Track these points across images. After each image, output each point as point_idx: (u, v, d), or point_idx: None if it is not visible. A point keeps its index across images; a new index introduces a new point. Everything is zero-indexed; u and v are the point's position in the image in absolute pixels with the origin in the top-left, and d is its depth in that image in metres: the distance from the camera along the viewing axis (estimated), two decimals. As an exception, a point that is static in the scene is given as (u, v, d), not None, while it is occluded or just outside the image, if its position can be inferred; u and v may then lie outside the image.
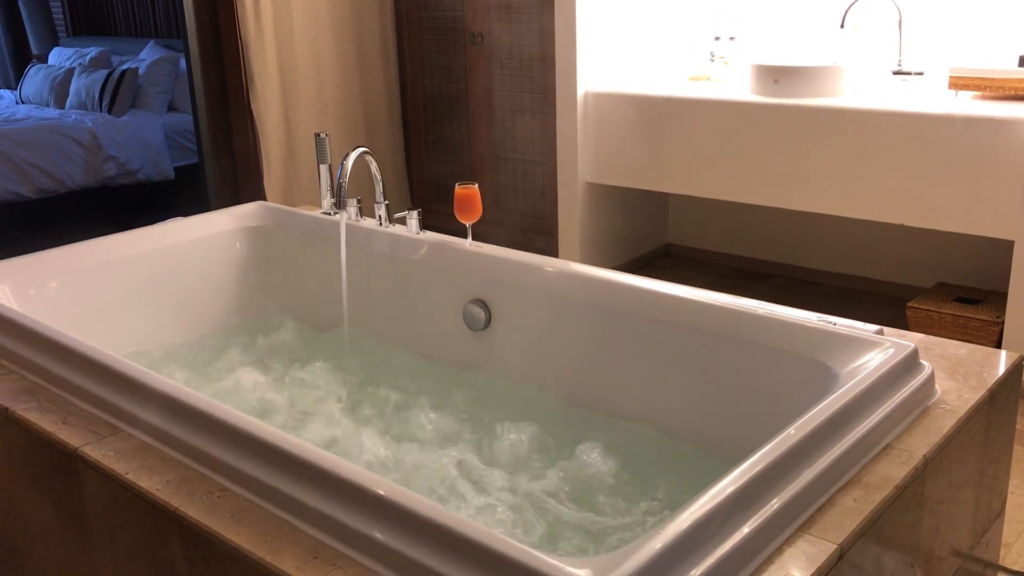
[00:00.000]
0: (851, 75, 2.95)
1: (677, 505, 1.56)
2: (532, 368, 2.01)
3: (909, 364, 1.49)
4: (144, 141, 4.84)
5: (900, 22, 3.05)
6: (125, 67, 5.13)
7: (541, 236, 3.73)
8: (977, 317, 2.66)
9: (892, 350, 1.50)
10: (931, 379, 1.51)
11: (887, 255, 3.32)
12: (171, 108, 5.29)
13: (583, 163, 3.45)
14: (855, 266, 3.45)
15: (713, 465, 1.66)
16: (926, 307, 2.75)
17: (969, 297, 2.81)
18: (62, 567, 1.63)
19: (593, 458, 1.70)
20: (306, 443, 1.32)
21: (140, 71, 5.15)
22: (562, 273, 1.98)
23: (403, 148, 4.11)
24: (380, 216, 2.36)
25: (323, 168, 2.52)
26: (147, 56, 5.49)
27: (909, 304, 2.80)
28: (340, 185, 2.21)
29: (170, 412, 1.45)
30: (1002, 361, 1.62)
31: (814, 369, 1.55)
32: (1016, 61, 2.76)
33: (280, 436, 1.32)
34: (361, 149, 2.22)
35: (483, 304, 2.09)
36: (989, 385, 1.54)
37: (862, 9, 3.11)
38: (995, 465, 1.64)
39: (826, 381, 1.50)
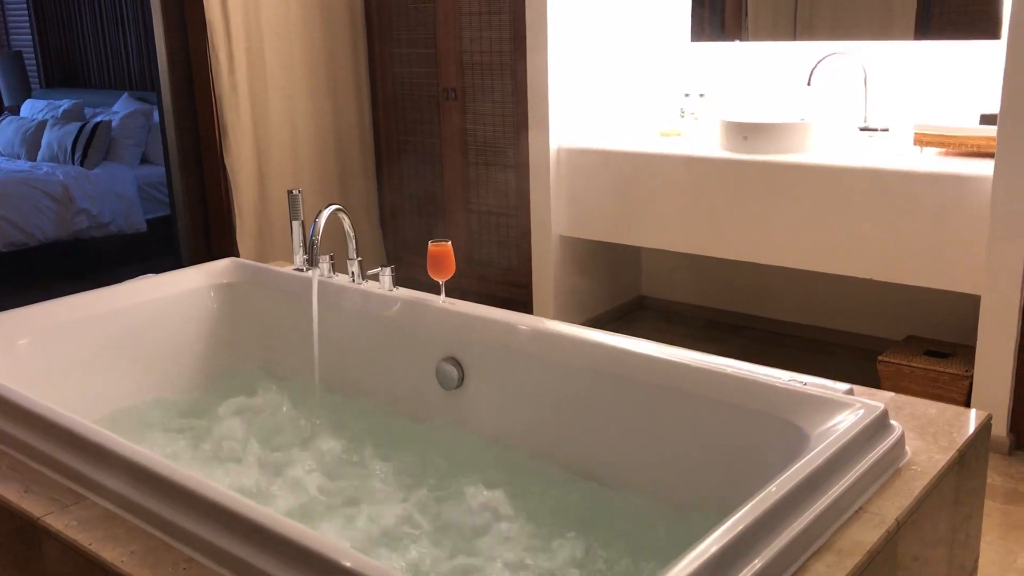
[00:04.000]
0: (818, 131, 3.00)
1: (647, 567, 1.55)
2: (505, 427, 2.00)
3: (879, 425, 1.50)
4: (116, 193, 4.83)
5: (865, 79, 3.12)
6: (98, 120, 5.13)
7: (516, 288, 3.73)
8: (947, 371, 2.69)
9: (862, 411, 1.50)
10: (901, 440, 1.51)
11: (858, 307, 3.36)
12: (145, 160, 5.28)
13: (556, 217, 3.47)
14: (827, 318, 3.47)
15: (687, 526, 1.66)
16: (896, 361, 2.77)
17: (939, 350, 2.83)
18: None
19: (559, 520, 1.69)
20: (276, 513, 1.30)
21: (113, 123, 5.14)
22: (535, 332, 1.98)
23: (377, 202, 4.12)
24: (353, 273, 2.35)
25: (295, 225, 2.52)
26: (120, 108, 5.50)
27: (880, 358, 2.82)
28: (312, 242, 2.20)
29: (135, 480, 1.43)
30: (971, 420, 1.63)
31: (786, 430, 1.56)
32: (978, 119, 2.82)
33: (249, 506, 1.30)
34: (334, 207, 2.22)
35: (456, 362, 2.08)
36: (959, 445, 1.55)
37: (828, 67, 3.18)
38: (967, 522, 1.65)
39: (797, 442, 1.50)
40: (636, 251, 3.86)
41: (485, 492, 1.78)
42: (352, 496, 1.86)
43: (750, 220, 2.99)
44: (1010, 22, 2.46)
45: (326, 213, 2.20)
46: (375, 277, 2.31)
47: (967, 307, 2.77)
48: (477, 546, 1.67)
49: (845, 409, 1.53)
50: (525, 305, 3.67)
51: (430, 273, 2.20)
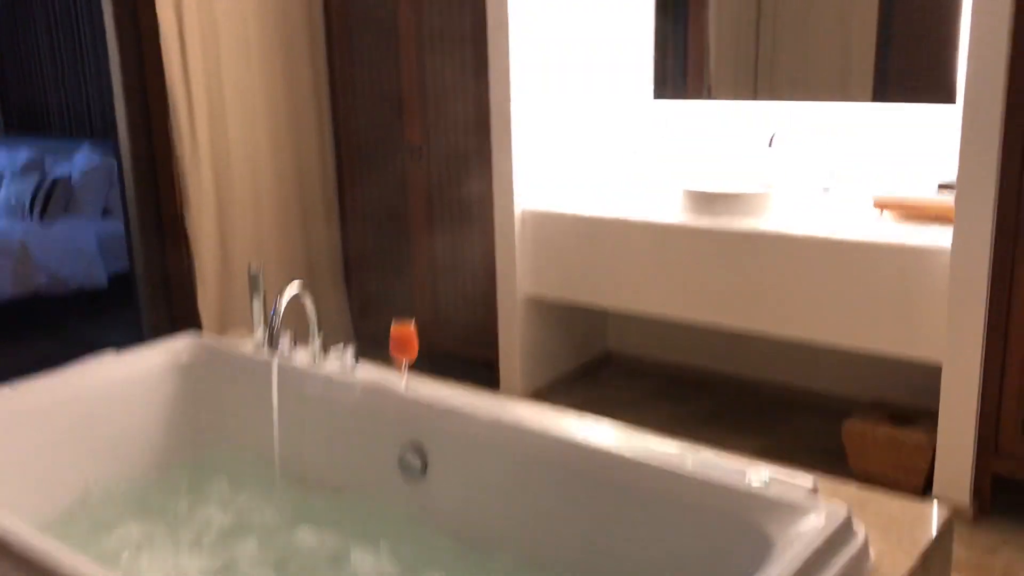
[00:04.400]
0: (779, 197, 3.02)
1: None
2: (467, 518, 1.97)
3: (844, 532, 1.49)
4: (76, 249, 4.76)
5: (826, 145, 3.15)
6: (57, 175, 5.06)
7: (481, 347, 3.71)
8: (910, 441, 2.70)
9: (827, 518, 1.50)
10: (865, 546, 1.51)
11: (824, 367, 3.37)
12: (107, 210, 5.21)
13: (521, 278, 3.47)
14: (793, 376, 3.49)
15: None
16: (861, 428, 2.78)
17: (904, 415, 2.84)
18: None
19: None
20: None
21: (73, 177, 5.08)
22: (495, 423, 1.95)
23: (341, 256, 4.09)
24: (314, 353, 2.33)
25: (256, 302, 2.49)
26: (82, 161, 5.42)
27: (844, 428, 2.83)
28: (273, 327, 2.17)
29: (86, 607, 1.38)
30: (934, 519, 1.63)
31: (749, 536, 1.55)
32: (936, 186, 2.86)
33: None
34: (296, 286, 2.19)
35: (419, 450, 2.06)
36: (922, 548, 1.55)
37: (789, 128, 3.22)
38: (932, 620, 1.64)
39: (761, 550, 1.49)
40: (603, 307, 3.87)
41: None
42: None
43: (713, 285, 3.00)
44: (965, 88, 2.50)
45: (287, 295, 2.17)
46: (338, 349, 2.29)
47: (932, 371, 2.79)
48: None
49: (809, 513, 1.52)
50: (491, 362, 3.66)
51: (392, 354, 2.18)
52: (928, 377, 2.74)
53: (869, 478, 2.79)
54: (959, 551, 2.45)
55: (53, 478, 2.18)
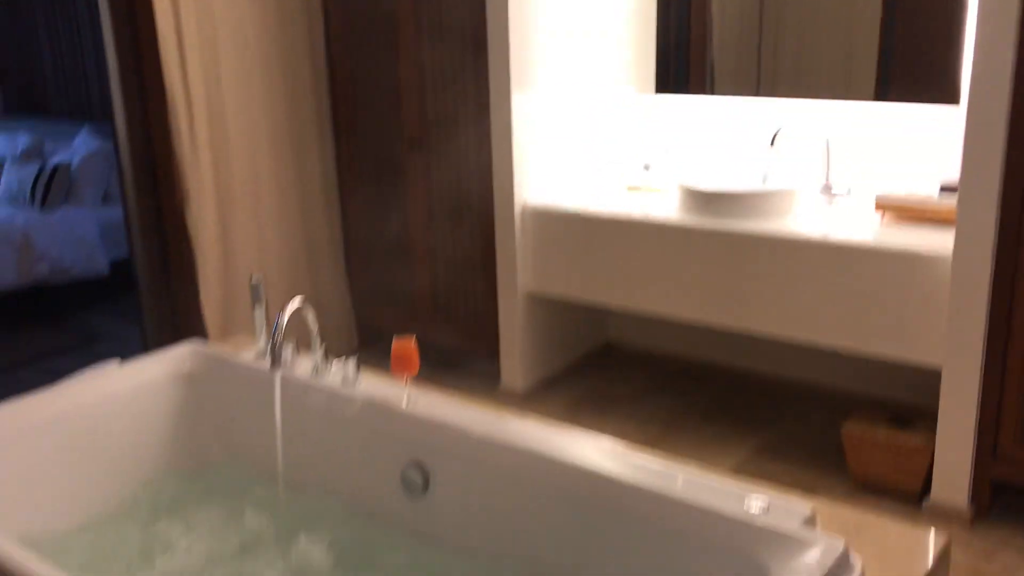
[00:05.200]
0: (780, 197, 3.01)
1: None
2: (467, 536, 1.99)
3: (841, 566, 1.51)
4: (78, 238, 4.76)
5: (828, 144, 3.13)
6: (57, 161, 5.04)
7: (483, 341, 3.72)
8: (909, 445, 2.72)
9: (824, 552, 1.51)
10: (862, 580, 1.53)
11: (826, 363, 3.38)
12: (107, 197, 5.20)
13: (522, 274, 3.47)
14: (794, 370, 3.50)
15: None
16: (860, 430, 2.80)
17: (904, 416, 2.86)
18: None
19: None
20: None
21: (73, 165, 5.06)
22: (494, 442, 1.96)
23: (343, 251, 4.09)
24: (316, 364, 2.34)
25: (258, 312, 2.50)
26: (81, 145, 5.40)
27: (844, 427, 2.84)
28: (275, 343, 2.18)
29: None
30: (930, 548, 1.65)
31: (747, 568, 1.56)
32: (938, 187, 2.84)
33: None
34: (298, 301, 2.19)
35: (421, 468, 2.07)
36: (918, 579, 1.57)
37: (791, 128, 3.20)
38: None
39: (759, 584, 1.51)
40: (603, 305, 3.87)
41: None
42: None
43: (712, 285, 3.00)
44: (970, 89, 2.47)
45: (288, 310, 2.18)
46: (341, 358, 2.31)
47: (932, 373, 2.80)
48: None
49: (807, 548, 1.54)
50: (492, 356, 3.67)
51: (393, 371, 2.19)
52: (930, 375, 2.74)
53: (868, 480, 2.81)
54: (956, 555, 2.47)
55: (57, 491, 2.19)
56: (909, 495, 2.75)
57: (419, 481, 2.07)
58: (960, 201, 2.53)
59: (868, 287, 2.71)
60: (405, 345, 2.17)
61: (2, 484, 2.08)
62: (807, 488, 2.68)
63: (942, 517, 2.63)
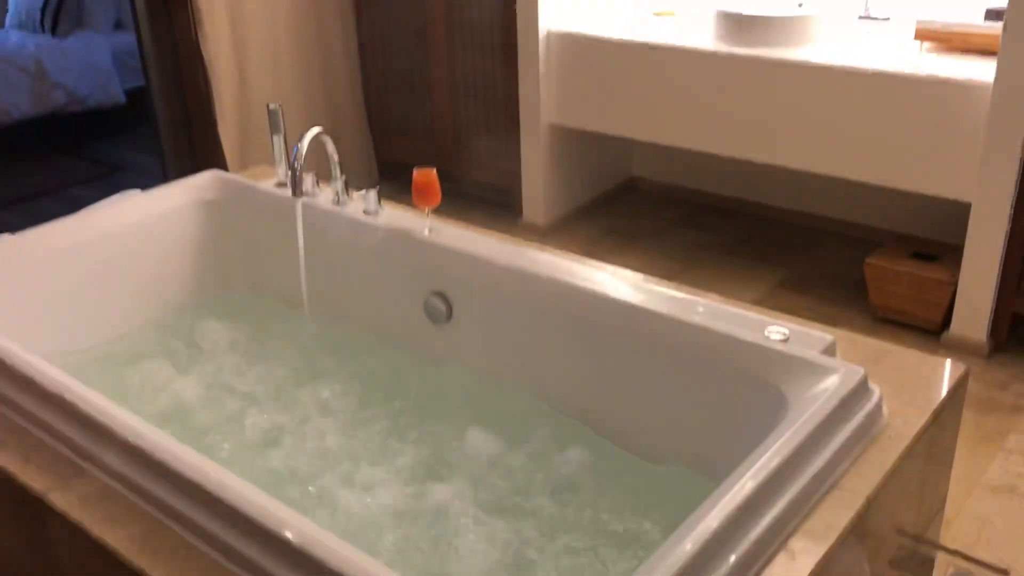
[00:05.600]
0: (816, 24, 2.89)
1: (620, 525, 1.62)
2: (494, 364, 2.03)
3: (859, 392, 1.53)
4: (92, 65, 4.66)
5: (868, -36, 2.97)
6: (66, -16, 4.88)
7: (505, 175, 3.68)
8: (932, 277, 2.71)
9: (843, 379, 1.53)
10: (879, 405, 1.55)
11: (851, 198, 3.34)
12: (119, 25, 5.06)
13: (546, 105, 3.39)
14: (819, 206, 3.46)
15: (667, 478, 1.73)
16: (883, 263, 2.79)
17: (928, 252, 2.84)
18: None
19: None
20: (270, 500, 1.34)
21: (83, -13, 4.91)
22: (516, 272, 1.96)
23: (360, 82, 3.99)
24: (337, 193, 2.32)
25: (277, 139, 2.46)
26: (90, -33, 5.22)
27: (867, 260, 2.83)
28: (295, 170, 2.16)
29: (133, 459, 1.46)
30: (946, 377, 1.66)
31: (765, 394, 1.58)
32: (983, 14, 2.71)
33: (244, 496, 1.34)
34: (316, 130, 2.16)
35: (444, 297, 2.09)
36: (934, 406, 1.58)
37: (830, -52, 3.03)
38: (938, 469, 1.71)
39: (776, 408, 1.54)
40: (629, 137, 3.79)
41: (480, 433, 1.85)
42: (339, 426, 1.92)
43: (742, 116, 2.92)
44: (1024, -95, 2.32)
45: (307, 139, 2.15)
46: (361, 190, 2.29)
47: (961, 208, 2.76)
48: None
49: (827, 375, 1.55)
50: (515, 191, 3.64)
51: (415, 202, 2.17)
52: (957, 211, 2.70)
53: (889, 313, 2.82)
54: (971, 385, 2.51)
55: (82, 316, 2.23)
56: (929, 328, 2.77)
57: (443, 308, 2.09)
58: (1006, 26, 2.41)
59: (902, 119, 2.63)
60: (426, 174, 2.14)
61: (28, 307, 2.12)
62: (828, 321, 2.69)
63: (960, 350, 2.65)
